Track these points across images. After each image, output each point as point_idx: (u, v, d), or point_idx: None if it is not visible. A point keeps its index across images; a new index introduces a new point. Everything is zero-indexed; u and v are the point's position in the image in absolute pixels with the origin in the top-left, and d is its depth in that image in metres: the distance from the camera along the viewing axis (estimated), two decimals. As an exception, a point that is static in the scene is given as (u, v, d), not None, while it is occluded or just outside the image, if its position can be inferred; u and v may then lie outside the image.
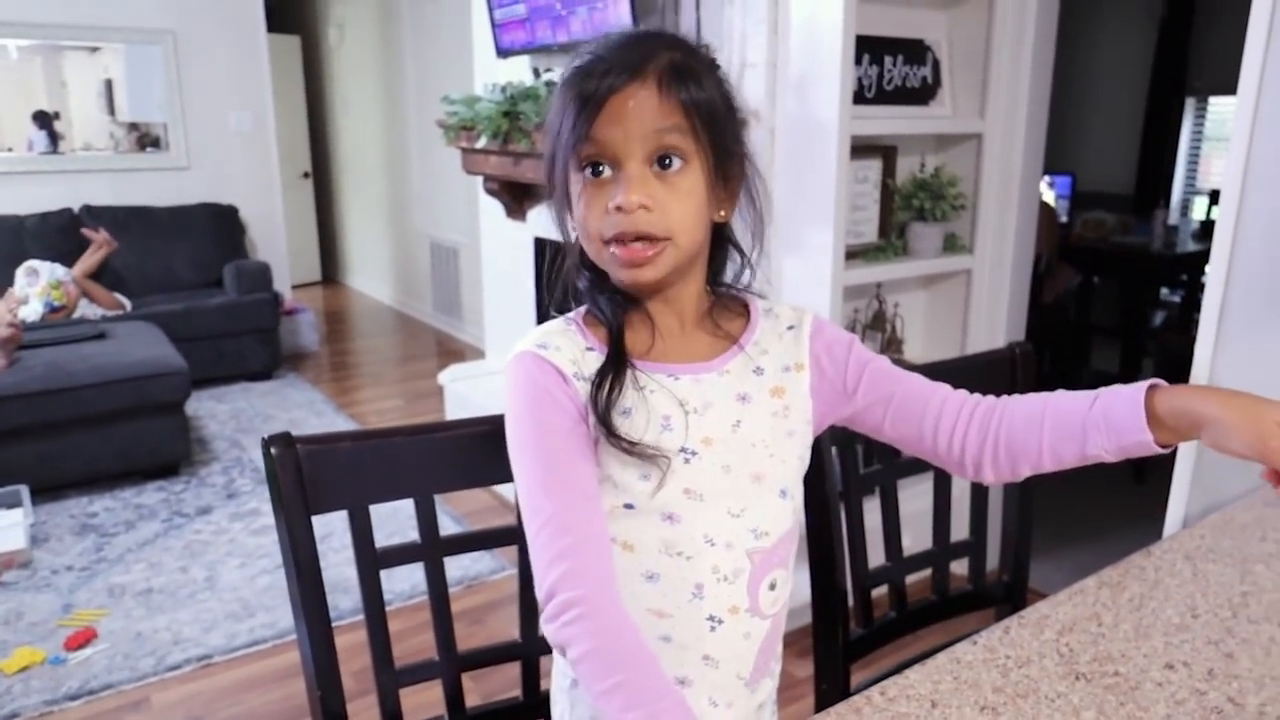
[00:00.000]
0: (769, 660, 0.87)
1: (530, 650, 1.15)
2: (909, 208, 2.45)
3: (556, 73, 2.78)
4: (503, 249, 3.59)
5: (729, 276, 0.88)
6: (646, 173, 0.75)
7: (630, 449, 0.78)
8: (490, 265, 3.74)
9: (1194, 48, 4.47)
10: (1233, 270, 1.45)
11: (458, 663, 1.12)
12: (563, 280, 0.87)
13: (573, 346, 0.82)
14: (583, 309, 0.86)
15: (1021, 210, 2.43)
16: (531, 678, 1.16)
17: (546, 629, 0.76)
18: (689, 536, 0.79)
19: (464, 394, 3.58)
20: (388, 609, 1.08)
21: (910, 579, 1.31)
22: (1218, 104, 4.57)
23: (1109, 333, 4.11)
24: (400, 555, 1.09)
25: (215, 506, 3.21)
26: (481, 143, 2.96)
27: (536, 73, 2.84)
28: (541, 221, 3.27)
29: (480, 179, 3.38)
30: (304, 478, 1.01)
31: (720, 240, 0.85)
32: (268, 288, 4.59)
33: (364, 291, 6.92)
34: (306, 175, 6.87)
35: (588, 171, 0.76)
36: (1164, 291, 4.37)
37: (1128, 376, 1.17)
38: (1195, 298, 3.94)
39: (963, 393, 0.86)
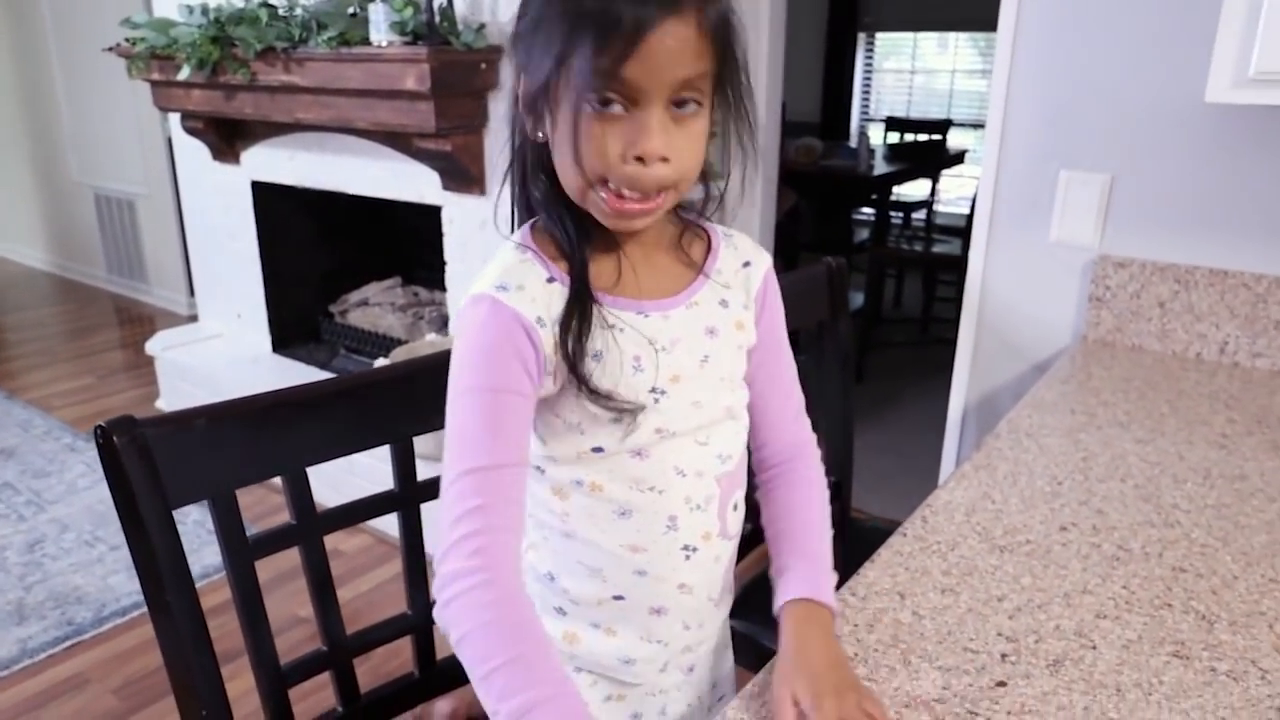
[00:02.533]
0: (730, 577, 0.88)
1: (422, 622, 1.06)
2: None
3: (273, -8, 2.47)
4: (210, 197, 3.18)
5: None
6: (666, 118, 0.67)
7: (607, 404, 0.73)
8: (197, 217, 3.31)
9: (863, -13, 4.94)
10: (999, 185, 1.63)
11: (349, 650, 1.01)
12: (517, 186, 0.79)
13: (535, 282, 0.73)
14: (530, 225, 0.77)
15: (768, 137, 2.56)
16: (426, 651, 1.07)
17: (437, 599, 0.70)
18: (659, 471, 0.77)
19: (181, 362, 3.17)
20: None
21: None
22: (884, 39, 5.11)
23: (812, 248, 4.51)
24: (274, 541, 0.95)
25: None
26: (183, 74, 2.57)
27: (248, -9, 2.50)
28: (259, 163, 2.93)
29: (165, 119, 2.95)
30: (157, 468, 0.83)
31: None
32: (-114, 258, 3.74)
33: (4, 256, 5.85)
34: (-94, 119, 5.61)
35: (597, 102, 0.66)
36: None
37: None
38: (886, 214, 4.43)
39: (791, 436, 0.90)
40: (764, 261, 0.85)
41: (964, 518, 0.98)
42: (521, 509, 0.73)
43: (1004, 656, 0.76)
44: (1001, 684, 0.72)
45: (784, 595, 0.78)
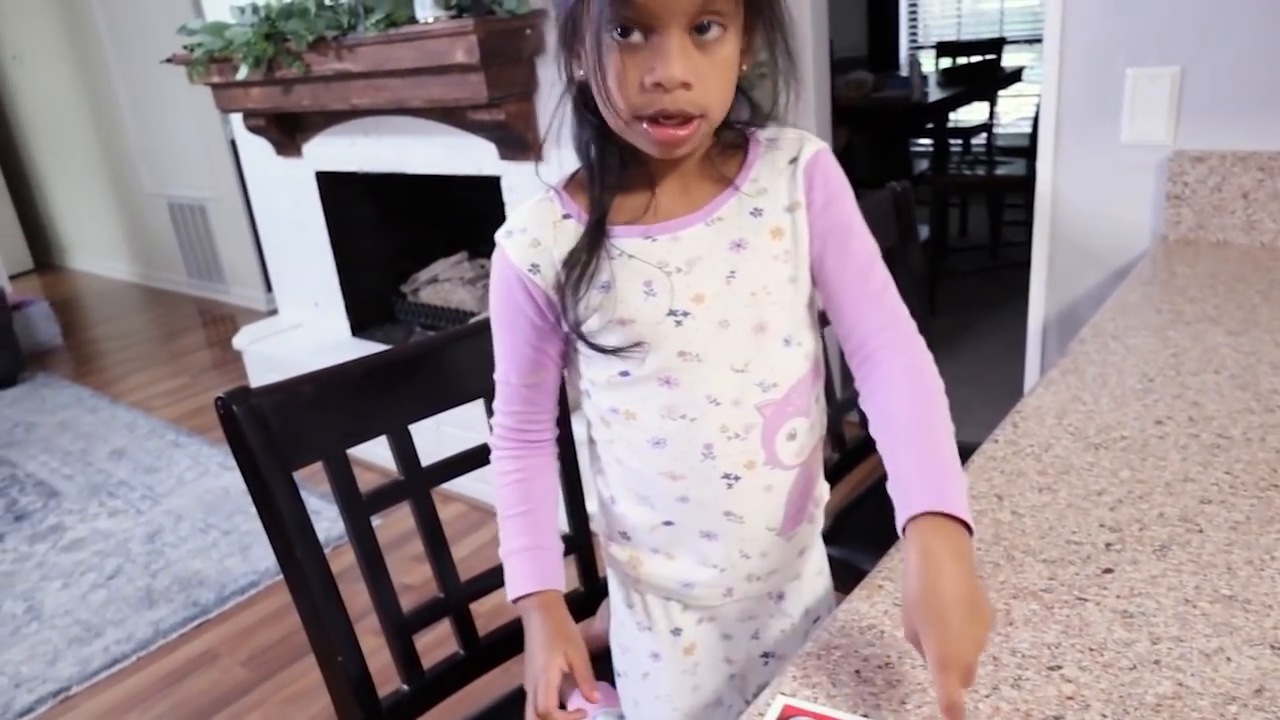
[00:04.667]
0: (803, 508, 0.86)
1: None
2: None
3: (318, -17, 2.52)
4: (277, 192, 3.27)
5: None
6: (686, 43, 0.66)
7: (606, 350, 0.77)
8: (267, 214, 3.41)
9: (902, -90, 4.78)
10: (1062, 91, 1.59)
11: (464, 596, 1.06)
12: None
13: (542, 224, 0.78)
14: (579, 168, 0.79)
15: (817, 76, 2.52)
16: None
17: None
18: (690, 398, 0.77)
19: (267, 354, 3.29)
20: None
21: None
22: (927, -37, 4.95)
23: (869, 184, 4.43)
24: (386, 497, 1.00)
25: (4, 533, 2.79)
26: (241, 74, 2.65)
27: (294, -15, 2.55)
28: (321, 154, 3.01)
29: (226, 121, 3.04)
30: (272, 433, 0.89)
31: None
32: (-14, 282, 3.95)
33: (92, 272, 6.11)
34: (-14, 150, 5.89)
35: (616, 32, 0.67)
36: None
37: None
38: (944, 142, 4.33)
39: (878, 318, 0.79)
40: (810, 148, 0.78)
41: (1055, 420, 0.98)
42: (541, 407, 0.87)
43: (1108, 546, 0.76)
44: (1108, 570, 0.73)
45: (906, 509, 0.67)
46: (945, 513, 0.65)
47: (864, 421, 0.81)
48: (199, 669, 2.10)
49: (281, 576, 0.92)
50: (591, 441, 0.88)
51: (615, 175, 0.76)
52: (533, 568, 0.85)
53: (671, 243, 0.75)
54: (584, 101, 0.75)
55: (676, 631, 0.89)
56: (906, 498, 0.68)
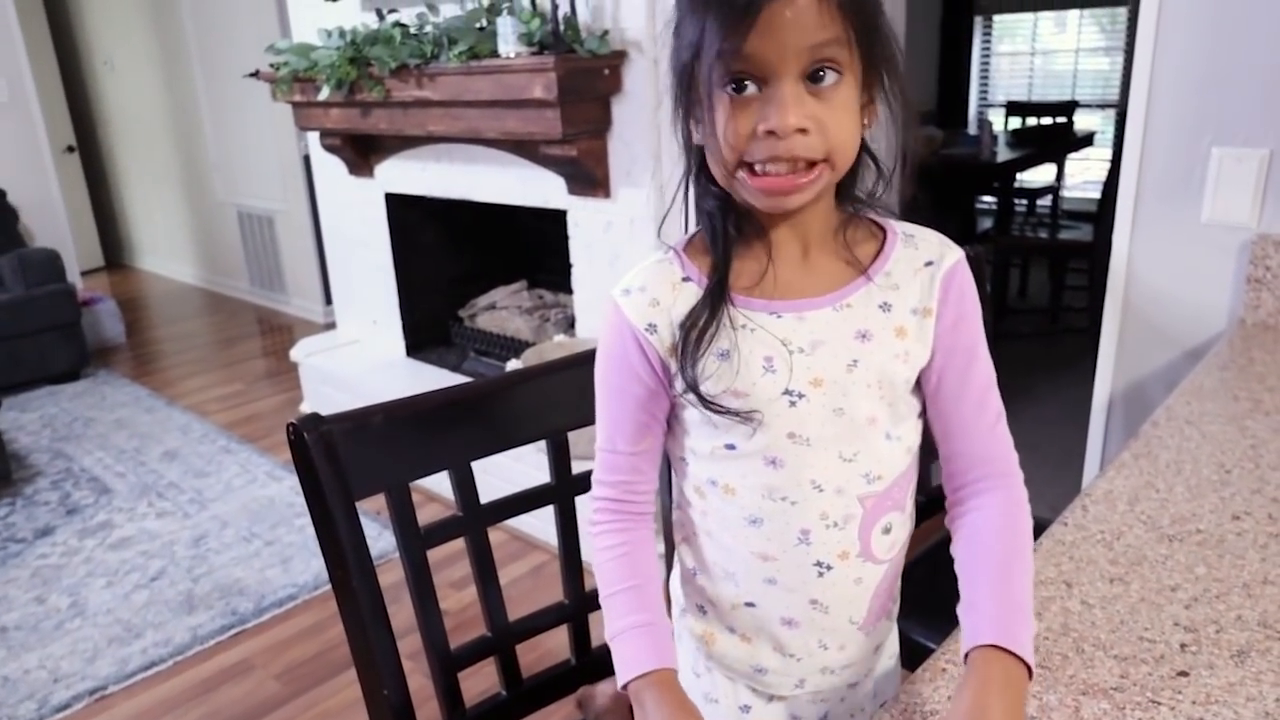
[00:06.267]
0: (885, 603, 0.84)
1: (578, 611, 1.10)
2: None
3: (403, 13, 2.59)
4: (346, 210, 3.35)
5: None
6: (800, 90, 0.66)
7: (720, 411, 0.74)
8: (333, 230, 3.48)
9: (979, -31, 4.79)
10: (1144, 164, 1.57)
11: (511, 636, 1.06)
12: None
13: (661, 284, 0.77)
14: (697, 230, 0.79)
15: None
16: (582, 639, 1.11)
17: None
18: (794, 482, 0.76)
19: (322, 368, 3.35)
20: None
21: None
22: (1001, 21, 4.94)
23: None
24: (443, 531, 1.00)
25: (56, 525, 2.85)
26: (323, 94, 2.72)
27: (380, 14, 2.63)
28: (392, 176, 3.07)
29: (301, 137, 3.12)
30: (339, 462, 0.90)
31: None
32: (61, 278, 4.07)
33: (160, 273, 6.29)
34: (71, 149, 6.10)
35: (730, 88, 0.67)
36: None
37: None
38: (1009, 202, 4.29)
39: (984, 448, 0.79)
40: (950, 258, 0.76)
41: (1127, 506, 0.95)
42: (645, 477, 0.83)
43: (1183, 646, 0.74)
44: (1183, 674, 0.71)
45: (972, 639, 0.68)
46: (1012, 651, 0.66)
47: (947, 539, 0.82)
48: (233, 679, 2.12)
49: (320, 591, 0.93)
50: (678, 508, 0.86)
51: (735, 239, 0.76)
52: (649, 644, 0.77)
53: (797, 321, 0.74)
54: (700, 164, 0.75)
55: (745, 709, 0.87)
56: (977, 626, 0.69)
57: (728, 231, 0.75)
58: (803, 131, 0.66)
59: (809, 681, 0.84)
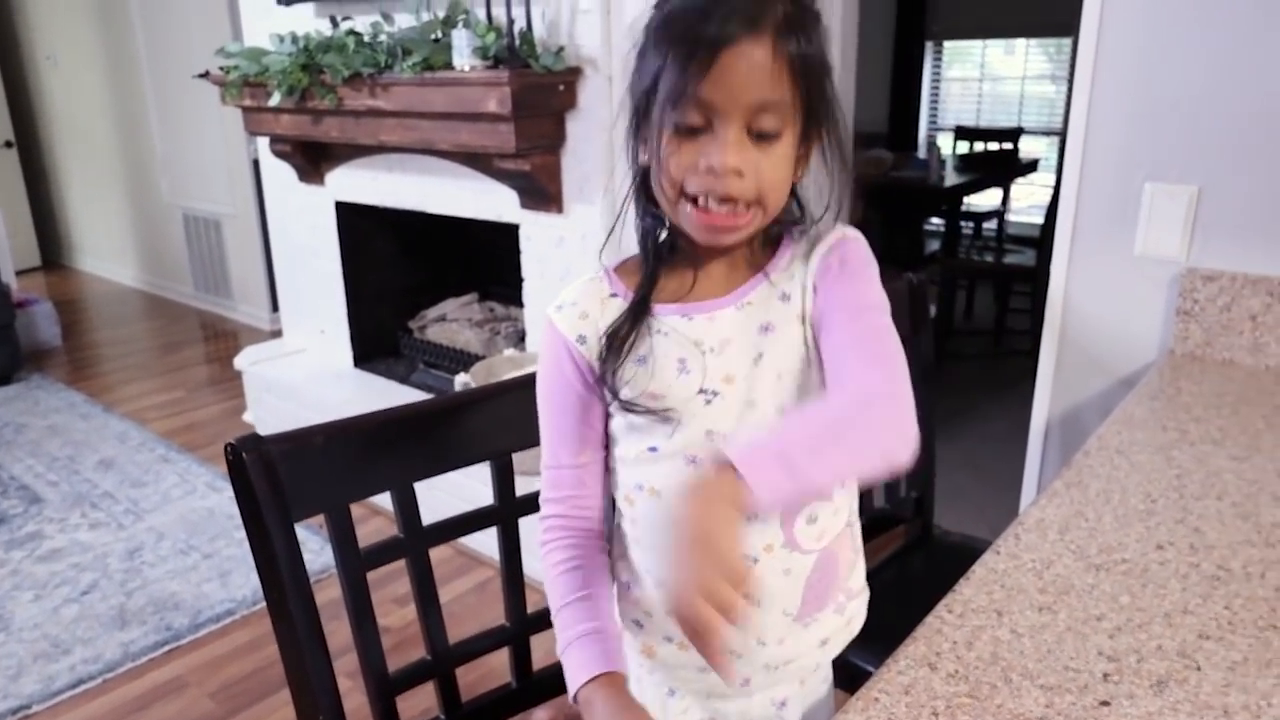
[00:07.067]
0: (824, 595, 0.86)
1: (520, 633, 1.09)
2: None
3: (357, 21, 2.57)
4: (295, 217, 3.30)
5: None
6: (743, 136, 0.71)
7: (638, 411, 0.79)
8: (282, 237, 3.43)
9: (930, -4, 4.90)
10: (1081, 197, 1.62)
11: (451, 659, 1.05)
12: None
13: (591, 299, 0.83)
14: (633, 255, 0.84)
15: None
16: (523, 662, 1.11)
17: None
18: None
19: (267, 376, 3.29)
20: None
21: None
22: (951, 47, 5.05)
23: (881, 260, 4.47)
24: (384, 553, 0.99)
25: (-18, 536, 2.76)
26: (274, 100, 2.68)
27: (334, 21, 2.60)
28: (343, 184, 3.04)
29: (250, 141, 3.07)
30: (279, 483, 0.89)
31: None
32: (-6, 278, 3.96)
33: (99, 275, 6.13)
34: (9, 144, 5.93)
35: (679, 123, 0.72)
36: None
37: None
38: (956, 225, 4.38)
39: (855, 384, 0.74)
40: (835, 234, 0.80)
41: (1057, 535, 0.98)
42: (590, 490, 0.86)
43: (1106, 676, 0.76)
44: (1105, 704, 0.73)
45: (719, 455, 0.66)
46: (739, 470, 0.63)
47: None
48: (165, 697, 2.06)
49: (258, 607, 0.92)
50: (615, 526, 0.89)
51: (666, 257, 0.81)
52: (598, 650, 0.80)
53: (707, 322, 0.79)
54: (645, 188, 0.80)
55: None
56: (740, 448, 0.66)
57: (659, 251, 0.81)
58: (738, 174, 0.71)
59: (755, 680, 0.86)
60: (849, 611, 0.90)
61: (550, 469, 0.86)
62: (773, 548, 0.81)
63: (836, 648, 0.91)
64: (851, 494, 0.87)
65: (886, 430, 0.70)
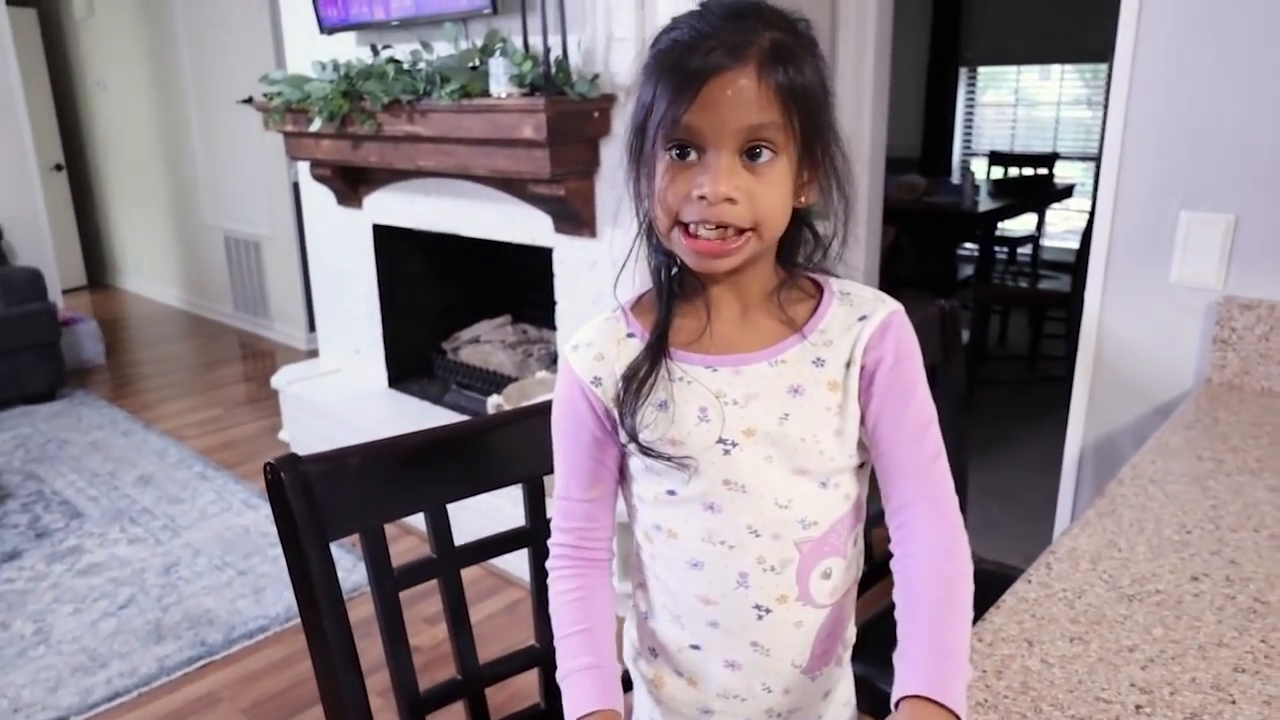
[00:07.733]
0: (831, 649, 0.86)
1: (548, 655, 1.10)
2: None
3: (397, 50, 2.63)
4: (333, 240, 3.36)
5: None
6: (735, 163, 0.72)
7: (656, 457, 0.79)
8: (320, 259, 3.49)
9: (965, 22, 4.90)
10: (1115, 224, 1.61)
11: (480, 680, 1.06)
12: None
13: (607, 340, 0.83)
14: (647, 290, 0.84)
15: (872, 173, 2.57)
16: (551, 683, 1.11)
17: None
18: (731, 526, 0.79)
19: (304, 396, 3.34)
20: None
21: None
22: (985, 72, 5.05)
23: (914, 284, 4.46)
24: (417, 573, 1.01)
25: (24, 549, 2.82)
26: (315, 126, 2.75)
27: (375, 49, 2.66)
28: (380, 208, 3.09)
29: (290, 165, 3.14)
30: (316, 503, 0.90)
31: (796, 221, 0.80)
32: (41, 297, 4.06)
33: (143, 294, 6.27)
34: (59, 168, 6.10)
35: (673, 153, 0.73)
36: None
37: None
38: (990, 250, 4.36)
39: (917, 487, 0.79)
40: (882, 311, 0.79)
41: (1089, 565, 0.97)
42: (600, 524, 0.87)
43: (1138, 708, 0.75)
44: (1137, 736, 0.72)
45: (902, 688, 0.70)
46: (939, 701, 0.67)
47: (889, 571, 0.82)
48: (199, 712, 2.09)
49: (292, 623, 0.94)
50: (635, 554, 0.89)
51: (678, 296, 0.81)
52: (596, 686, 0.81)
53: (733, 375, 0.78)
54: (650, 222, 0.80)
55: None
56: (907, 676, 0.70)
57: (671, 288, 0.81)
58: (731, 201, 0.72)
59: None
60: (845, 661, 0.89)
61: (561, 500, 0.88)
62: (787, 599, 0.80)
63: (841, 703, 0.90)
64: (859, 548, 0.86)
65: (967, 583, 0.77)
